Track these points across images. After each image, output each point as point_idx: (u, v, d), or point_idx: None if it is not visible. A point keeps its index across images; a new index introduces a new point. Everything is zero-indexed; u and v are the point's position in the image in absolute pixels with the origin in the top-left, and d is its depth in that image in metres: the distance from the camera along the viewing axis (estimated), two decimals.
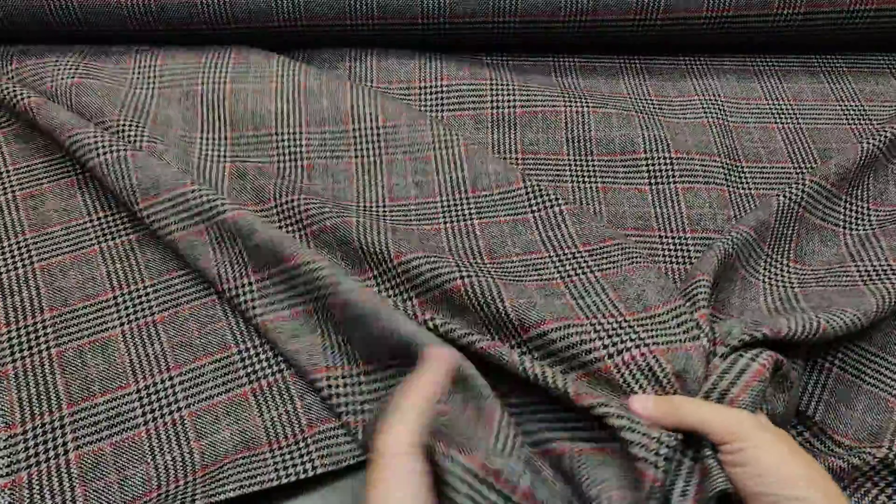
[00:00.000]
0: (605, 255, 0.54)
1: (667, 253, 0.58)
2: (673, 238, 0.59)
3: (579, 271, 0.53)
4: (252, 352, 0.52)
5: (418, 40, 0.71)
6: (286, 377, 0.51)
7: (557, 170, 0.63)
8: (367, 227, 0.54)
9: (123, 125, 0.62)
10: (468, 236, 0.57)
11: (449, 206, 0.59)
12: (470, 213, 0.58)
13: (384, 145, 0.62)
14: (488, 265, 0.54)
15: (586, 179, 0.62)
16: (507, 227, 0.57)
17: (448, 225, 0.57)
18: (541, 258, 0.54)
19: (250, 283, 0.54)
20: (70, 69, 0.67)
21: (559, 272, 0.53)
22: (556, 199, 0.58)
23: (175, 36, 0.70)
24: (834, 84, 0.72)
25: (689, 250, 0.58)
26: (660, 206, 0.61)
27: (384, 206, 0.59)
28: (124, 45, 0.71)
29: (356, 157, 0.62)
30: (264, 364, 0.52)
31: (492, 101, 0.68)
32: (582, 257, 0.54)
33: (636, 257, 0.54)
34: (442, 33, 0.70)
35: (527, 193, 0.59)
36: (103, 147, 0.58)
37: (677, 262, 0.58)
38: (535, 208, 0.58)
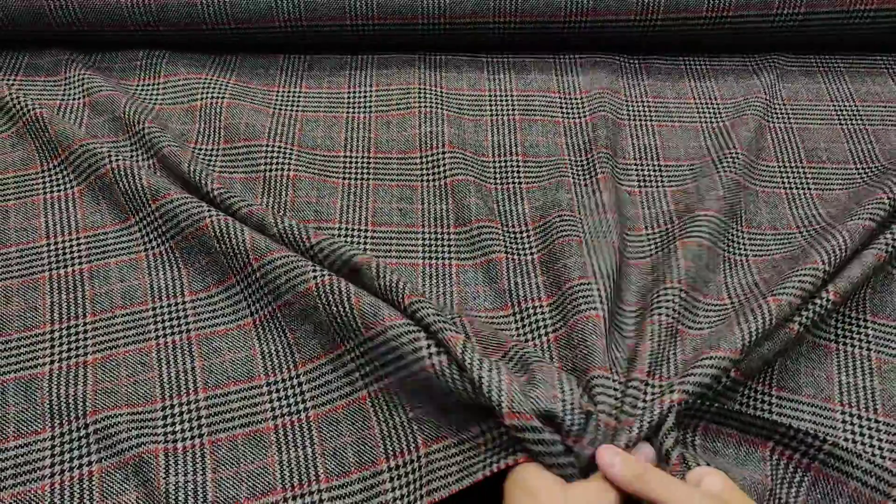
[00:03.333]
0: (560, 311, 0.54)
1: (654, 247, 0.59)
2: (659, 232, 0.60)
3: (537, 333, 0.53)
4: (176, 409, 0.49)
5: (418, 40, 0.72)
6: (208, 438, 0.48)
7: (560, 169, 0.64)
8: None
9: (125, 136, 0.64)
10: (444, 278, 0.57)
11: (429, 240, 0.59)
12: (448, 253, 0.58)
13: (373, 173, 0.64)
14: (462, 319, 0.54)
15: (587, 177, 0.63)
16: (481, 273, 0.57)
17: (426, 262, 0.58)
18: (506, 316, 0.55)
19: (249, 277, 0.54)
20: (78, 87, 0.68)
21: (517, 334, 0.54)
22: (531, 246, 0.59)
23: (175, 36, 0.70)
24: (830, 84, 0.72)
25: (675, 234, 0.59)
26: (648, 207, 0.62)
27: (366, 231, 0.60)
28: (127, 59, 0.72)
29: (344, 178, 0.63)
30: (185, 425, 0.49)
31: (491, 111, 0.69)
32: (542, 313, 0.54)
33: (590, 308, 0.53)
34: (442, 33, 0.70)
35: (503, 234, 0.59)
36: (114, 156, 0.60)
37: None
38: (508, 250, 0.58)
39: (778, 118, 0.69)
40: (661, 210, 0.62)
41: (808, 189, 0.63)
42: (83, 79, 0.69)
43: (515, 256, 0.58)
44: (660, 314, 0.52)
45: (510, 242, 0.59)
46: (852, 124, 0.68)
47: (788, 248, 0.58)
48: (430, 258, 0.58)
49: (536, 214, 0.61)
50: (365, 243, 0.59)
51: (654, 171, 0.65)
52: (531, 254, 0.58)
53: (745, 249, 0.59)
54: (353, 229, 0.60)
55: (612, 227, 0.58)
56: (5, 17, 0.67)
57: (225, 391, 0.50)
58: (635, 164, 0.65)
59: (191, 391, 0.50)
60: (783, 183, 0.64)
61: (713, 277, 0.56)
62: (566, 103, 0.70)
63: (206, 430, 0.48)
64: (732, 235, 0.60)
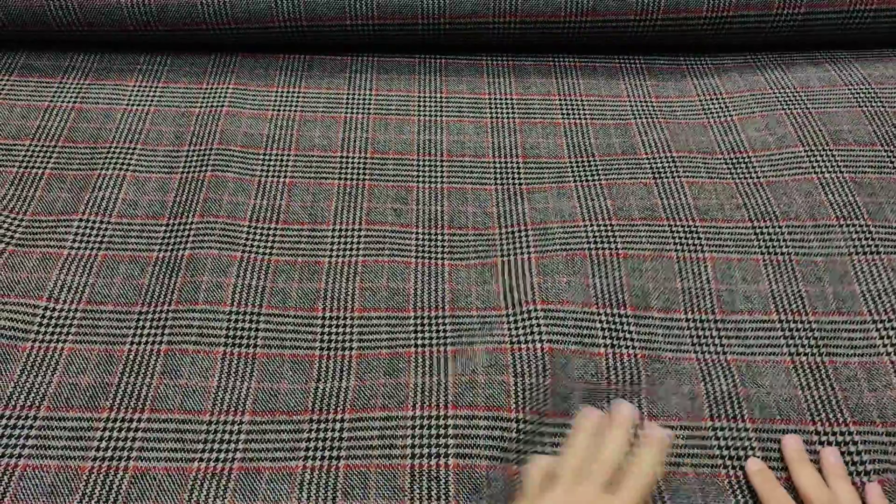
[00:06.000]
0: (557, 321, 0.52)
1: (678, 241, 0.56)
2: (683, 227, 0.57)
3: (528, 334, 0.51)
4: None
5: (418, 40, 0.71)
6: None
7: (560, 170, 0.63)
8: (337, 271, 0.55)
9: (115, 150, 0.63)
10: (436, 277, 0.55)
11: (423, 240, 0.58)
12: (442, 252, 0.57)
13: (369, 173, 0.62)
14: (447, 319, 0.52)
15: (590, 178, 0.62)
16: (474, 273, 0.55)
17: (419, 261, 0.56)
18: (498, 316, 0.52)
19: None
20: (72, 92, 0.68)
21: (510, 334, 0.51)
22: (527, 246, 0.57)
23: (175, 36, 0.70)
24: (841, 71, 0.71)
25: (699, 238, 0.57)
26: (666, 197, 0.60)
27: (360, 229, 0.58)
28: (127, 62, 0.72)
29: (339, 179, 0.62)
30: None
31: (490, 114, 0.68)
32: (536, 316, 0.51)
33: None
34: (442, 33, 0.70)
35: (500, 238, 0.58)
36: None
37: (689, 251, 0.56)
38: (504, 253, 0.56)
39: (795, 104, 0.67)
40: (680, 203, 0.59)
41: (840, 172, 0.61)
42: (79, 87, 0.68)
43: (511, 257, 0.56)
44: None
45: (507, 244, 0.57)
46: (873, 106, 0.67)
47: (829, 248, 0.56)
48: (423, 257, 0.56)
49: (537, 217, 0.59)
50: (358, 242, 0.57)
51: (668, 161, 0.63)
52: (528, 254, 0.56)
53: (786, 247, 0.56)
54: (346, 230, 0.58)
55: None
56: (5, 16, 0.67)
57: None
58: (647, 157, 0.63)
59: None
60: (813, 167, 0.61)
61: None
62: (566, 105, 0.69)
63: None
64: (771, 232, 0.57)
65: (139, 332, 0.50)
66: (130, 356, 0.49)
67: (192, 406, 0.47)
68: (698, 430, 0.46)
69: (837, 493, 0.42)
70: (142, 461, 0.44)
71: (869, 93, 0.68)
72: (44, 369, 0.48)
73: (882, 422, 0.46)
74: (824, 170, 0.61)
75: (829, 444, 0.45)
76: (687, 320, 0.52)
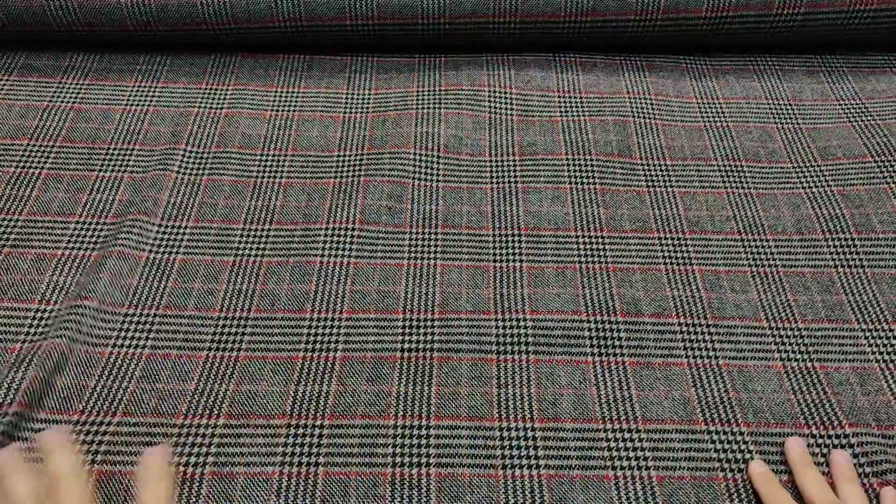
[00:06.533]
0: (545, 333, 0.52)
1: (667, 254, 0.57)
2: (673, 239, 0.58)
3: (515, 346, 0.51)
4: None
5: (418, 40, 0.71)
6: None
7: (556, 169, 0.63)
8: (328, 273, 0.55)
9: (112, 152, 0.63)
10: (428, 278, 0.55)
11: (416, 241, 0.57)
12: (434, 252, 0.57)
13: (364, 169, 0.62)
14: (437, 322, 0.52)
15: (585, 181, 0.62)
16: (465, 275, 0.55)
17: (411, 262, 0.56)
18: (487, 320, 0.52)
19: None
20: (71, 92, 0.68)
21: (497, 342, 0.51)
22: (521, 253, 0.57)
23: (175, 37, 0.70)
24: (834, 84, 0.72)
25: (688, 251, 0.57)
26: (658, 208, 0.60)
27: (353, 229, 0.58)
28: (127, 62, 0.72)
29: (335, 177, 0.62)
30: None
31: (489, 108, 0.68)
32: (525, 325, 0.52)
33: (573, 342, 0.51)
34: (442, 33, 0.70)
35: (493, 241, 0.58)
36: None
37: (678, 263, 0.57)
38: (497, 258, 0.56)
39: (785, 119, 0.68)
40: (671, 213, 0.60)
41: (828, 186, 0.62)
42: (78, 87, 0.69)
43: (504, 264, 0.56)
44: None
45: (499, 249, 0.57)
46: (863, 120, 0.67)
47: (816, 262, 0.57)
48: (416, 258, 0.56)
49: (530, 221, 0.59)
50: (351, 242, 0.57)
51: (662, 170, 0.63)
52: (520, 261, 0.56)
53: (773, 259, 0.57)
54: (340, 228, 0.58)
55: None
56: (5, 16, 0.67)
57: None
58: (642, 164, 0.64)
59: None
60: (801, 182, 0.63)
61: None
62: (565, 102, 0.69)
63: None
64: (758, 245, 0.58)
65: (123, 334, 0.50)
66: (111, 358, 0.49)
67: (167, 409, 0.46)
68: (694, 433, 0.46)
69: (846, 496, 0.42)
70: (107, 465, 0.43)
71: (859, 107, 0.69)
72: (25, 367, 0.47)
73: (878, 424, 0.47)
74: (812, 185, 0.62)
75: (826, 447, 0.46)
76: (679, 324, 0.52)
